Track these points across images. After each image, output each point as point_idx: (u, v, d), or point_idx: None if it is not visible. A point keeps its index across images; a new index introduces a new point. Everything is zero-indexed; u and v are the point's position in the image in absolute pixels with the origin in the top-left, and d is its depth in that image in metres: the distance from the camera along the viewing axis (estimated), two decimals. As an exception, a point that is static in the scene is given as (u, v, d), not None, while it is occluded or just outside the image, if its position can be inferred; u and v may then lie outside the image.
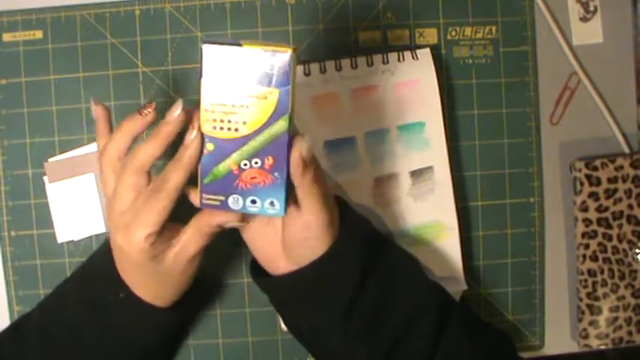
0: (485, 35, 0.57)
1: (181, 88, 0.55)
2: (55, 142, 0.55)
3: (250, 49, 0.38)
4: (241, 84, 0.38)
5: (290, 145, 0.39)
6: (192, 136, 0.39)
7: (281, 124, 0.38)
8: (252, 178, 0.40)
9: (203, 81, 0.38)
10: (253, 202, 0.40)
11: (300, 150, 0.39)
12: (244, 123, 0.39)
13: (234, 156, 0.39)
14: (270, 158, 0.39)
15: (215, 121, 0.39)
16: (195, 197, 0.41)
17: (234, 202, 0.40)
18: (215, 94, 0.38)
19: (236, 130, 0.39)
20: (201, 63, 0.38)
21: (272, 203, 0.40)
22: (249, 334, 0.56)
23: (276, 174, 0.39)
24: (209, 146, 0.39)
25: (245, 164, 0.39)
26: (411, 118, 0.54)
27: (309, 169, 0.40)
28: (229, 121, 0.39)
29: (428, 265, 0.55)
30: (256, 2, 0.56)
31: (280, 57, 0.38)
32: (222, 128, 0.39)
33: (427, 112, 0.54)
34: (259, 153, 0.39)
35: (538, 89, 0.57)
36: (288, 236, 0.44)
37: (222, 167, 0.40)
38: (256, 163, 0.39)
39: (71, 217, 0.55)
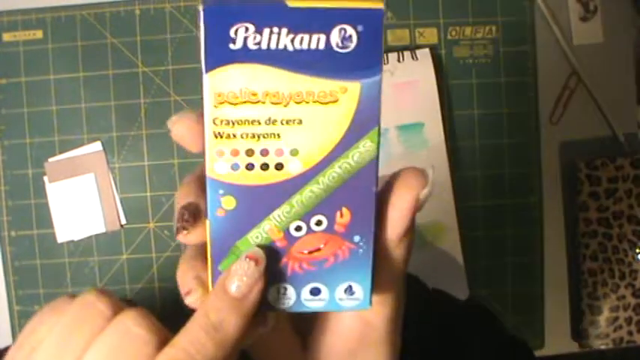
0: (486, 35, 0.57)
1: (181, 88, 0.55)
2: (55, 142, 0.55)
3: (303, 9, 0.21)
4: (285, 78, 0.22)
5: (377, 185, 0.23)
6: (254, 273, 0.23)
7: (367, 147, 0.22)
8: (310, 252, 0.23)
9: (207, 80, 0.22)
10: (315, 292, 0.24)
11: (417, 192, 0.24)
12: (294, 153, 0.22)
13: (277, 215, 0.23)
14: (346, 211, 0.23)
15: (237, 153, 0.22)
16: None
17: (279, 296, 0.24)
18: (234, 103, 0.22)
19: (279, 167, 0.22)
20: (203, 47, 0.21)
21: (349, 290, 0.24)
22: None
23: (356, 238, 0.23)
24: (227, 203, 0.23)
25: (298, 227, 0.23)
26: (411, 119, 0.54)
27: (411, 230, 0.25)
28: (265, 152, 0.22)
29: (428, 265, 0.55)
30: (256, 2, 0.56)
31: (363, 18, 0.21)
32: (250, 166, 0.22)
33: (426, 112, 0.54)
34: (325, 204, 0.23)
35: (538, 89, 0.57)
36: (326, 349, 0.27)
37: (254, 237, 0.23)
38: (318, 223, 0.23)
39: (71, 217, 0.55)
